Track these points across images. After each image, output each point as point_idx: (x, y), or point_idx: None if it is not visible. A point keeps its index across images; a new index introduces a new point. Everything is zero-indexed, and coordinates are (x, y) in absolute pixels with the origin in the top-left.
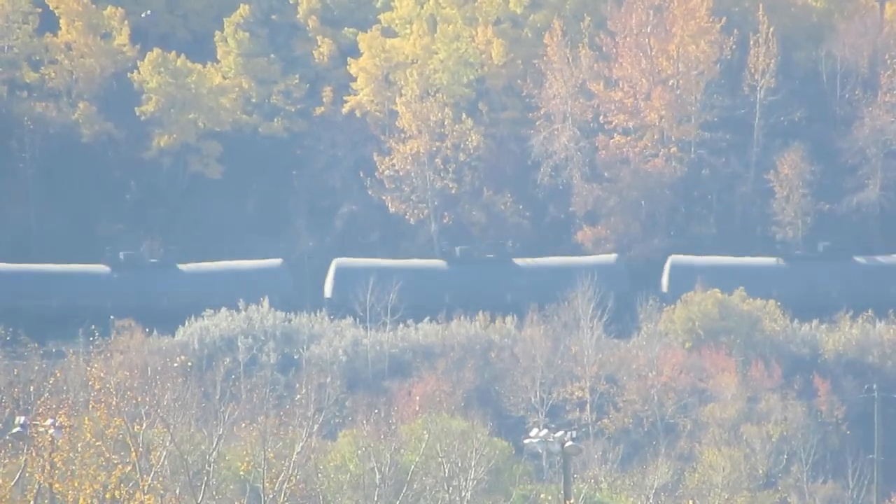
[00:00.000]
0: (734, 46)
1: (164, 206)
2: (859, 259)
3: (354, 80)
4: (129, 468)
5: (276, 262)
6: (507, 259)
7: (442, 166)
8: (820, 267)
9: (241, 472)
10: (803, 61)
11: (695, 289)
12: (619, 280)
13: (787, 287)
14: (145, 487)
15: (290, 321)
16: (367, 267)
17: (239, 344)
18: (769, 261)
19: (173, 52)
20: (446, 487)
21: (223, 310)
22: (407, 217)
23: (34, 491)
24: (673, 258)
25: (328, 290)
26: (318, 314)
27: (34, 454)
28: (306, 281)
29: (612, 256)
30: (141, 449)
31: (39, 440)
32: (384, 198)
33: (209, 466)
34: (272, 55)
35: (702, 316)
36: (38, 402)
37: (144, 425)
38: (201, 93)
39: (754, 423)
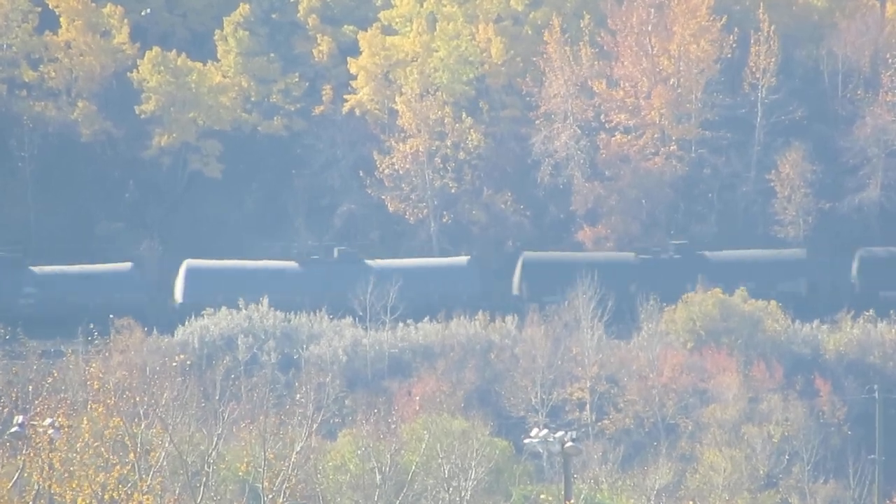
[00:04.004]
0: (735, 45)
1: (163, 205)
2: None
3: (354, 78)
4: (128, 468)
5: (127, 265)
6: (359, 261)
7: (442, 165)
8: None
9: (241, 472)
10: (804, 60)
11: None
12: (470, 282)
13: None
14: (144, 488)
15: (289, 321)
16: (219, 268)
17: (239, 343)
18: (621, 256)
19: (173, 51)
20: (446, 487)
21: (223, 309)
22: (406, 216)
23: (32, 491)
24: (525, 256)
25: (178, 294)
26: (317, 313)
27: (32, 454)
28: (160, 284)
29: (465, 259)
30: (140, 449)
31: (38, 440)
32: (384, 197)
33: (208, 466)
34: (272, 54)
35: (703, 316)
36: (37, 401)
37: (143, 425)
38: (201, 91)
39: (755, 424)
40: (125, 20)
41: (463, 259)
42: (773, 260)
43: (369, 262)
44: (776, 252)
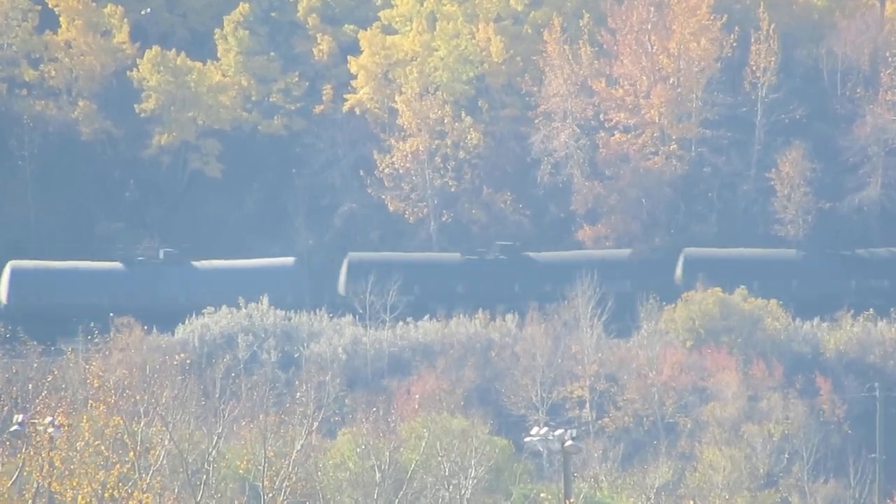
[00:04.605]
0: (735, 44)
1: (163, 204)
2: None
3: (354, 77)
4: (128, 467)
5: None
6: (186, 262)
7: (442, 164)
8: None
9: (241, 471)
10: (804, 59)
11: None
12: (296, 282)
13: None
14: (144, 486)
15: (290, 319)
16: (44, 269)
17: (239, 342)
18: (446, 257)
19: (173, 51)
20: (446, 486)
21: (224, 307)
22: (406, 215)
23: (32, 490)
24: (350, 256)
25: (3, 296)
26: (318, 312)
27: (32, 453)
28: None
29: (291, 259)
30: (140, 447)
31: (38, 439)
32: (384, 196)
33: (209, 465)
34: (272, 53)
35: (703, 315)
36: (37, 400)
37: (143, 423)
38: (201, 91)
39: (755, 423)
40: (125, 20)
41: (289, 259)
42: (599, 260)
43: (196, 263)
44: (603, 252)
